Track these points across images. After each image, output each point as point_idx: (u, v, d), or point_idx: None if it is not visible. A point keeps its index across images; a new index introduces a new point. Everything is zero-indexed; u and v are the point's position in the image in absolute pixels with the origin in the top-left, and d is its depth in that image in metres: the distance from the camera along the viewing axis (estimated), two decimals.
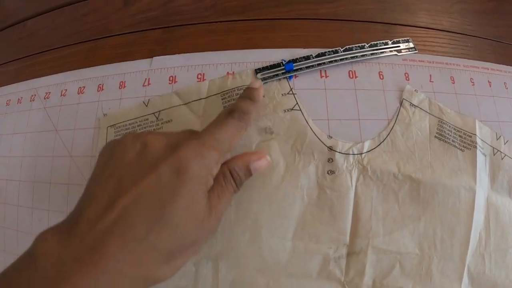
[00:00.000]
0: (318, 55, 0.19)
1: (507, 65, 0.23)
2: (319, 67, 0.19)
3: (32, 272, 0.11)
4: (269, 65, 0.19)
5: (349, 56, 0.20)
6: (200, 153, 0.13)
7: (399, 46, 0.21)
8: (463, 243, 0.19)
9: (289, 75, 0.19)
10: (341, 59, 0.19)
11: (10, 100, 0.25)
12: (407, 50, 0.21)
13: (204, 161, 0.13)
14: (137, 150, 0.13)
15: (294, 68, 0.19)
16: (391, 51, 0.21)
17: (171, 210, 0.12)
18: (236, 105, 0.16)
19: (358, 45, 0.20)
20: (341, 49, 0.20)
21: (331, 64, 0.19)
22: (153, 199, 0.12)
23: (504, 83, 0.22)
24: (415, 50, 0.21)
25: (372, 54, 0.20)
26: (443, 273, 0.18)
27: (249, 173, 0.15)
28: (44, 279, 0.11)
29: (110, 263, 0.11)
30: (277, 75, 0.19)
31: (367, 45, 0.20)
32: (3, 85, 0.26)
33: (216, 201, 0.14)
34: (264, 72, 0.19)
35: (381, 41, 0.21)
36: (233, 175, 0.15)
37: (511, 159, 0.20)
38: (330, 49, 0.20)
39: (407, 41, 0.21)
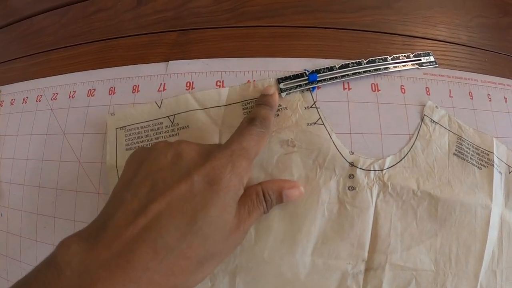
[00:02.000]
0: (341, 67, 0.19)
1: None
2: (342, 79, 0.18)
3: (55, 281, 0.10)
4: (292, 75, 0.18)
5: (372, 68, 0.19)
6: (231, 162, 0.13)
7: (420, 60, 0.20)
8: (477, 260, 0.18)
9: (312, 86, 0.18)
10: (364, 71, 0.19)
11: (14, 99, 0.24)
12: (428, 64, 0.20)
13: (235, 171, 0.13)
14: (170, 158, 0.13)
15: (317, 79, 0.18)
16: (412, 64, 0.20)
17: (204, 219, 0.12)
18: (255, 113, 0.16)
19: (381, 57, 0.19)
20: (365, 61, 0.19)
21: (355, 77, 0.18)
22: (186, 207, 0.12)
23: None
24: (436, 64, 0.21)
25: (394, 67, 0.19)
26: None
27: (280, 199, 0.15)
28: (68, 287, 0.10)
29: (140, 271, 0.10)
30: (300, 85, 0.18)
31: (389, 58, 0.20)
32: (8, 83, 0.25)
33: (245, 215, 0.14)
34: (287, 82, 0.18)
35: (403, 54, 0.20)
36: (265, 196, 0.15)
37: None
38: (354, 61, 0.19)
39: (428, 55, 0.21)
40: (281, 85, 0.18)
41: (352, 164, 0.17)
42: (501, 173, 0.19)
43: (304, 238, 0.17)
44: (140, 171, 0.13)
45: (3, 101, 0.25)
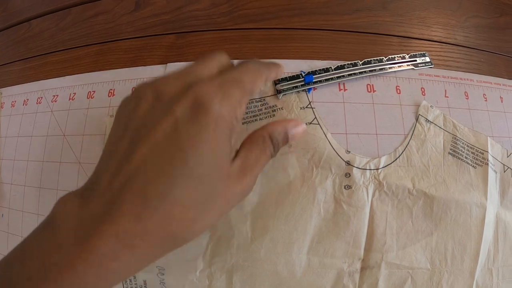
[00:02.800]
0: (337, 68, 0.19)
1: None
2: (338, 80, 0.19)
3: (52, 238, 0.10)
4: (288, 77, 0.19)
5: (368, 69, 0.20)
6: (221, 90, 0.11)
7: (415, 60, 0.21)
8: (473, 258, 0.19)
9: (308, 87, 0.19)
10: (360, 72, 0.19)
11: (15, 101, 0.25)
12: (423, 65, 0.21)
13: (225, 101, 0.11)
14: (150, 99, 0.12)
15: (313, 80, 0.19)
16: (408, 65, 0.21)
17: (194, 158, 0.11)
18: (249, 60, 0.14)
19: (376, 58, 0.20)
20: (360, 62, 0.20)
21: (350, 78, 0.19)
22: (172, 147, 0.11)
23: None
24: (431, 64, 0.21)
25: (390, 67, 0.20)
26: None
27: (286, 139, 0.15)
28: (62, 245, 0.10)
29: (132, 222, 0.10)
30: (296, 86, 0.19)
31: (385, 59, 0.20)
32: (8, 86, 0.25)
33: (253, 162, 0.13)
34: (283, 83, 0.19)
35: (398, 55, 0.21)
36: (272, 140, 0.14)
37: None
38: (349, 62, 0.19)
39: (424, 55, 0.21)
40: (278, 87, 0.19)
41: (348, 163, 0.18)
42: (496, 172, 0.20)
43: (300, 237, 0.17)
44: (124, 122, 0.12)
45: (3, 103, 0.25)
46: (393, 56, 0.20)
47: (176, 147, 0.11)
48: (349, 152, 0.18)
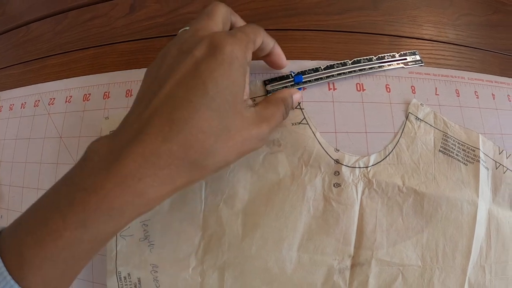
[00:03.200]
0: (326, 68, 0.20)
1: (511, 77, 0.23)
2: (327, 80, 0.20)
3: (85, 167, 0.12)
4: (278, 77, 0.19)
5: (357, 68, 0.20)
6: (231, 36, 0.13)
7: (406, 59, 0.21)
8: (464, 255, 0.19)
9: (298, 87, 0.19)
10: (349, 72, 0.20)
11: (13, 104, 0.25)
12: (413, 63, 0.21)
13: (236, 43, 0.13)
14: (174, 53, 0.14)
15: (303, 80, 0.19)
16: (398, 63, 0.21)
17: (213, 89, 0.12)
18: None
19: (366, 57, 0.20)
20: (350, 62, 0.20)
21: (340, 77, 0.20)
22: (194, 80, 0.12)
23: (508, 95, 0.23)
24: (422, 62, 0.22)
25: (379, 66, 0.21)
26: (444, 285, 0.19)
27: (292, 104, 0.17)
28: (91, 172, 0.11)
29: (158, 142, 0.11)
30: (286, 87, 0.19)
31: (374, 58, 0.21)
32: (6, 89, 0.26)
33: (268, 115, 0.15)
34: (273, 84, 0.19)
35: (388, 54, 0.21)
36: (284, 102, 0.17)
37: None
38: (339, 62, 0.20)
39: (414, 54, 0.22)
40: (268, 87, 0.19)
41: (337, 161, 0.18)
42: (487, 169, 0.20)
43: (290, 234, 0.18)
44: (154, 73, 0.14)
45: (2, 106, 0.26)
46: (383, 55, 0.21)
47: (198, 80, 0.12)
48: (338, 150, 0.19)
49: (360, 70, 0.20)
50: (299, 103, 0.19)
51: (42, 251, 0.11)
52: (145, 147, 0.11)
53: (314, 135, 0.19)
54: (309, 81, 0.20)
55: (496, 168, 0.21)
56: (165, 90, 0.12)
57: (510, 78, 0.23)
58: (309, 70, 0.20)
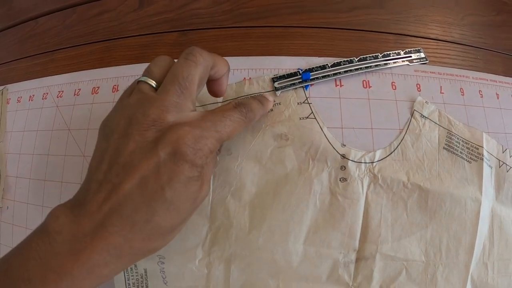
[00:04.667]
0: (333, 65, 0.21)
1: None
2: (334, 77, 0.20)
3: (48, 247, 0.12)
4: (286, 74, 0.20)
5: (364, 66, 0.21)
6: (198, 141, 0.14)
7: (410, 56, 0.22)
8: (467, 252, 0.20)
9: (305, 84, 0.20)
10: (356, 69, 0.21)
11: (21, 97, 0.26)
12: (418, 60, 0.22)
13: (199, 153, 0.14)
14: (137, 139, 0.14)
15: (310, 78, 0.20)
16: (403, 61, 0.22)
17: (172, 195, 0.13)
18: (246, 102, 0.17)
19: (372, 55, 0.21)
20: (356, 59, 0.21)
21: (346, 74, 0.20)
22: (154, 184, 0.13)
23: (511, 95, 0.24)
24: (426, 60, 0.22)
25: (385, 64, 0.21)
26: (447, 281, 0.20)
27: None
28: (58, 254, 0.12)
29: (121, 240, 0.13)
30: (294, 84, 0.20)
31: (380, 55, 0.22)
32: (14, 82, 0.27)
33: (208, 173, 0.15)
34: (281, 81, 0.20)
35: (393, 51, 0.22)
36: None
37: None
38: (346, 59, 0.21)
39: (419, 51, 0.23)
40: (276, 84, 0.20)
41: (344, 156, 0.19)
42: (491, 167, 0.21)
43: (297, 227, 0.19)
44: (111, 152, 0.14)
45: (9, 98, 0.27)
46: (388, 52, 0.22)
47: (157, 184, 0.13)
48: (345, 145, 0.19)
49: (366, 67, 0.21)
50: (307, 98, 0.20)
51: None
52: (108, 244, 0.13)
53: (322, 129, 0.19)
54: (317, 78, 0.20)
55: (500, 167, 0.21)
56: (124, 187, 0.13)
57: None
58: (316, 67, 0.21)
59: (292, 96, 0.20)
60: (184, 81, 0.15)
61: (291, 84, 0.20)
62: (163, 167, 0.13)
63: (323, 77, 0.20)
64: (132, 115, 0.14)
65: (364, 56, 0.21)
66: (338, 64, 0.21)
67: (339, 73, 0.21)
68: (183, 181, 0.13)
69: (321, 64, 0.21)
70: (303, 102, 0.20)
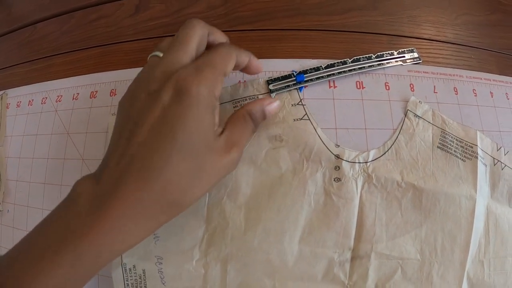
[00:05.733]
0: (327, 66, 0.21)
1: (510, 76, 0.25)
2: (328, 78, 0.21)
3: (71, 208, 0.13)
4: (281, 76, 0.21)
5: (357, 67, 0.21)
6: (196, 75, 0.14)
7: (404, 56, 0.23)
8: (463, 249, 0.20)
9: (300, 86, 0.21)
10: (349, 70, 0.21)
11: (20, 101, 0.27)
12: (411, 60, 0.23)
13: (202, 82, 0.14)
14: (143, 97, 0.14)
15: (305, 79, 0.21)
16: (396, 61, 0.23)
17: (183, 134, 0.13)
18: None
19: (365, 56, 0.22)
20: (350, 60, 0.22)
21: (340, 75, 0.21)
22: (163, 128, 0.13)
23: (506, 93, 0.24)
24: (420, 60, 0.23)
25: (378, 64, 0.22)
26: (443, 279, 0.20)
27: (264, 116, 0.18)
28: (79, 215, 0.13)
29: (137, 194, 0.13)
30: (288, 86, 0.21)
31: (373, 56, 0.22)
32: (14, 87, 0.28)
33: (237, 138, 0.16)
34: (275, 83, 0.21)
35: (387, 52, 0.23)
36: (252, 116, 0.17)
37: (511, 170, 0.22)
38: (339, 61, 0.21)
39: (412, 51, 0.23)
40: (271, 86, 0.21)
41: (338, 157, 0.20)
42: (485, 165, 0.22)
43: (291, 226, 0.19)
44: (124, 117, 0.15)
45: (9, 103, 0.28)
46: (382, 53, 0.22)
47: (166, 127, 0.13)
48: (339, 146, 0.20)
49: (359, 68, 0.22)
50: (300, 99, 0.21)
51: (37, 286, 0.12)
52: (125, 200, 0.13)
53: (315, 130, 0.20)
54: (311, 80, 0.21)
55: (494, 165, 0.22)
56: (137, 138, 0.14)
57: (508, 77, 0.25)
58: (310, 69, 0.21)
59: (286, 98, 0.21)
60: (181, 38, 0.15)
61: (285, 86, 0.21)
62: (168, 110, 0.13)
63: (317, 78, 0.21)
64: (140, 81, 0.15)
65: (358, 57, 0.22)
66: (332, 65, 0.21)
67: (333, 74, 0.21)
68: (193, 118, 0.13)
69: (315, 66, 0.21)
70: (297, 104, 0.21)
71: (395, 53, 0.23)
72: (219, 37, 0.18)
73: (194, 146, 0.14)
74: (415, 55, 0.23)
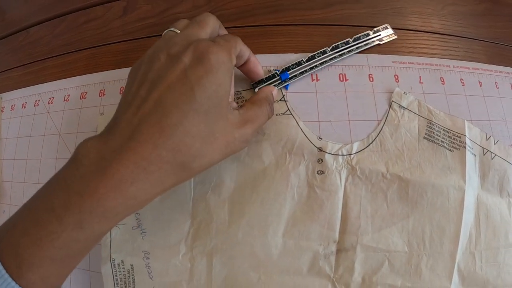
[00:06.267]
0: (308, 59, 0.22)
1: (499, 65, 0.25)
2: (311, 71, 0.21)
3: (75, 171, 0.13)
4: (265, 78, 0.21)
5: (337, 54, 0.22)
6: (216, 44, 0.15)
7: (380, 35, 0.23)
8: (452, 241, 0.20)
9: (285, 84, 0.21)
10: (330, 59, 0.21)
11: (14, 105, 0.28)
12: (387, 37, 0.23)
13: (220, 50, 0.15)
14: (162, 59, 0.15)
15: (289, 76, 0.21)
16: (373, 41, 0.22)
17: (201, 95, 0.14)
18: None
19: (343, 41, 0.22)
20: (329, 49, 0.22)
21: (322, 66, 0.21)
22: (183, 87, 0.14)
23: (495, 82, 0.24)
24: (395, 36, 0.23)
25: (357, 48, 0.22)
26: (432, 271, 0.20)
27: (273, 99, 0.19)
28: (84, 175, 0.12)
29: (149, 149, 0.13)
30: (274, 86, 0.21)
31: (351, 40, 0.22)
32: (8, 91, 0.29)
33: (252, 117, 0.16)
34: (261, 85, 0.21)
35: (363, 34, 0.23)
36: (267, 101, 0.18)
37: (501, 159, 0.22)
38: (319, 51, 0.22)
39: (386, 28, 0.23)
40: (256, 90, 0.21)
41: (320, 149, 0.20)
42: (475, 155, 0.21)
43: (275, 220, 0.19)
44: (140, 76, 0.15)
45: (3, 107, 0.29)
46: (358, 35, 0.22)
47: (186, 86, 0.14)
48: (321, 139, 0.20)
49: (340, 55, 0.22)
50: (283, 96, 0.21)
51: (39, 251, 0.12)
52: (136, 154, 0.12)
53: (297, 124, 0.20)
54: (295, 76, 0.21)
55: (484, 154, 0.22)
56: (154, 95, 0.13)
57: (497, 66, 0.24)
58: (292, 65, 0.21)
59: None
60: (198, 21, 0.17)
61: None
62: (189, 70, 0.14)
63: (301, 73, 0.21)
64: (158, 46, 0.15)
65: (336, 44, 0.22)
66: (313, 57, 0.22)
67: (315, 66, 0.21)
68: (213, 81, 0.14)
69: (296, 61, 0.22)
70: (280, 100, 0.21)
71: (371, 33, 0.23)
72: (224, 32, 0.19)
73: (211, 108, 0.14)
74: (390, 31, 0.23)
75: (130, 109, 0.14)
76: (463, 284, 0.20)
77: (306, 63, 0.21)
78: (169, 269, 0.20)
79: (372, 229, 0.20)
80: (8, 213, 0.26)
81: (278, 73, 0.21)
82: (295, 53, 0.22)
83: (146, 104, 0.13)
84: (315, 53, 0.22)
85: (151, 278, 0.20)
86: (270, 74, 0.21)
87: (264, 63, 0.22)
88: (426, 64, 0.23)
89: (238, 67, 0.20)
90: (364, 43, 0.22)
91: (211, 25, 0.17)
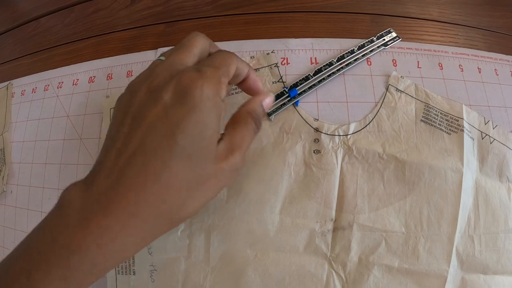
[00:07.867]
0: (315, 73, 0.22)
1: (499, 53, 0.25)
2: (320, 84, 0.22)
3: (59, 219, 0.12)
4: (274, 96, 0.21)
5: (344, 64, 0.22)
6: (201, 76, 0.13)
7: (384, 40, 0.24)
8: (450, 223, 0.21)
9: (295, 100, 0.21)
10: (337, 70, 0.22)
11: (25, 90, 0.30)
12: (391, 41, 0.24)
13: (206, 83, 0.13)
14: (143, 92, 0.14)
15: (298, 92, 0.21)
16: (378, 47, 0.23)
17: (183, 138, 0.12)
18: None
19: (348, 51, 0.23)
20: (335, 60, 0.22)
21: (330, 78, 0.22)
22: (163, 128, 0.13)
23: (495, 69, 0.25)
24: (399, 38, 0.24)
25: (363, 55, 0.23)
26: (430, 253, 0.20)
27: (264, 112, 0.17)
28: (68, 226, 0.12)
29: (134, 196, 0.12)
30: (284, 104, 0.21)
31: (356, 49, 0.23)
32: (19, 77, 0.31)
33: (238, 141, 0.15)
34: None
35: (367, 40, 0.23)
36: (253, 115, 0.16)
37: (500, 144, 0.22)
38: (325, 64, 0.22)
39: (389, 32, 0.24)
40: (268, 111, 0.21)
41: (316, 130, 0.21)
42: (473, 139, 0.22)
43: (272, 197, 0.20)
44: (122, 113, 0.14)
45: (14, 92, 0.31)
46: (362, 43, 0.23)
47: (167, 128, 0.13)
48: (317, 119, 0.21)
49: (346, 65, 0.22)
50: (281, 76, 0.22)
51: None
52: (118, 208, 0.12)
53: (294, 106, 0.21)
54: (304, 91, 0.21)
55: (482, 138, 0.22)
56: (137, 135, 0.13)
57: (497, 54, 0.25)
58: (300, 80, 0.22)
59: (267, 75, 0.22)
60: (184, 43, 0.16)
61: (281, 105, 0.21)
62: (170, 109, 0.13)
63: (310, 88, 0.22)
64: (141, 77, 0.15)
65: (342, 54, 0.23)
66: (320, 70, 0.22)
67: (323, 79, 0.22)
68: (196, 121, 0.13)
69: (304, 76, 0.22)
70: (278, 81, 0.22)
71: (375, 39, 0.24)
72: (215, 48, 0.18)
73: (195, 153, 0.13)
74: (393, 34, 0.24)
75: (113, 152, 0.13)
76: (462, 268, 0.21)
77: (314, 77, 0.22)
78: (167, 245, 0.21)
79: (368, 208, 0.21)
80: (15, 193, 0.28)
81: (286, 90, 0.21)
82: (294, 38, 0.24)
83: (127, 147, 0.13)
84: (322, 65, 0.22)
85: (150, 254, 0.21)
86: (279, 92, 0.22)
87: (265, 47, 0.23)
88: (425, 50, 0.24)
89: (236, 85, 0.19)
90: (370, 49, 0.23)
91: (199, 46, 0.16)
